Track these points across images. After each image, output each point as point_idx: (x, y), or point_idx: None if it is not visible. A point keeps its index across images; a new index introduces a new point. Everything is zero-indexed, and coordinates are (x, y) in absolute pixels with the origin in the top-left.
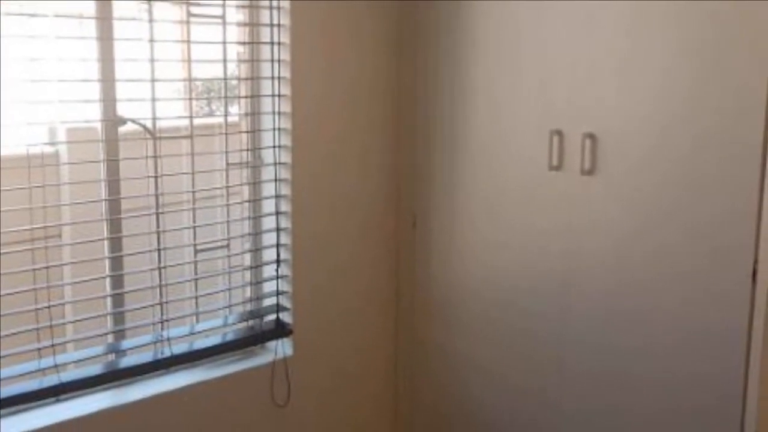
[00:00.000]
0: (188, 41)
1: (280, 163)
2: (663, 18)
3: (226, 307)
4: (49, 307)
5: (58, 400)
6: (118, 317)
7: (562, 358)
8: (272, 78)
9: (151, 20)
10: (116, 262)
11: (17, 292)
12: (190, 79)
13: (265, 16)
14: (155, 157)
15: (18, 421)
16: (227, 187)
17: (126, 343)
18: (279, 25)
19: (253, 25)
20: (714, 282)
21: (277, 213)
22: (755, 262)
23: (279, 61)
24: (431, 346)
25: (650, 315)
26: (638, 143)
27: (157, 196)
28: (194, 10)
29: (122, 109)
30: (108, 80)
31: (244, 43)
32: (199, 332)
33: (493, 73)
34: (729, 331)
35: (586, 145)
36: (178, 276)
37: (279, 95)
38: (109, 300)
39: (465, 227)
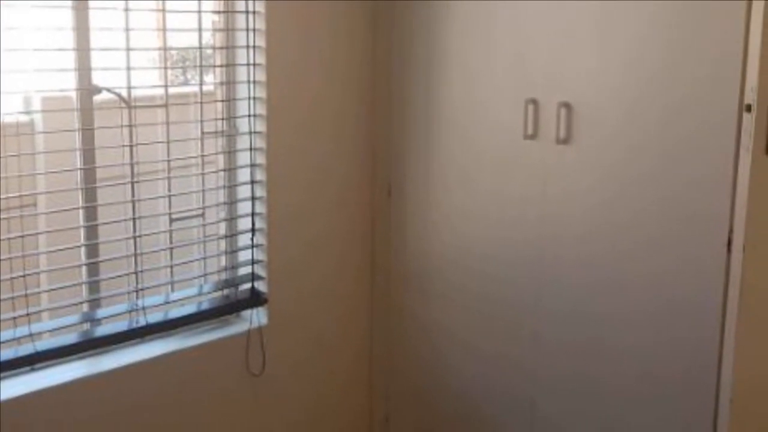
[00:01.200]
0: (163, 10)
1: (255, 132)
2: None
3: (201, 276)
4: (24, 276)
5: (33, 369)
6: (93, 286)
7: (537, 326)
8: (247, 47)
9: None
10: (91, 231)
11: None
12: (165, 48)
13: None
14: (130, 126)
15: None
16: (202, 156)
17: (101, 312)
18: None
19: None
20: (689, 251)
21: (252, 182)
22: (730, 231)
23: (254, 30)
24: (406, 315)
25: (625, 284)
26: (613, 112)
27: (132, 164)
28: None
29: (97, 78)
30: (83, 49)
31: (219, 12)
32: (174, 301)
33: (468, 43)
34: (704, 300)
35: (561, 114)
36: (153, 245)
37: (254, 64)
38: (84, 269)
39: (440, 196)
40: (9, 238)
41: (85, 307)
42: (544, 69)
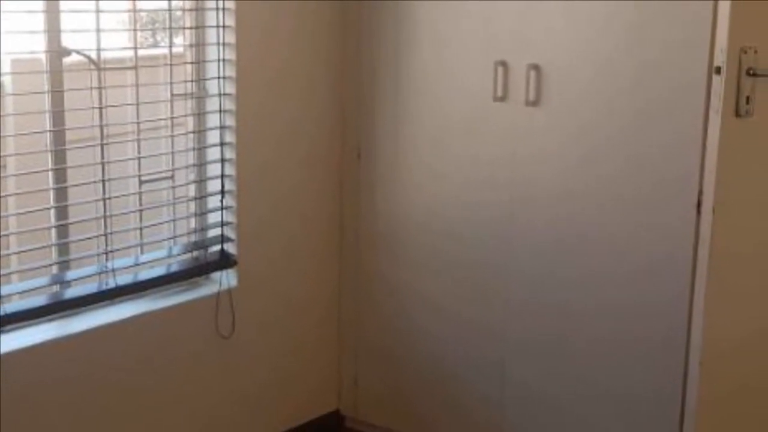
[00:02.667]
0: None
1: (224, 94)
2: None
3: (170, 238)
4: None
5: (2, 332)
6: (63, 248)
7: (507, 288)
8: (216, 9)
9: None
10: (61, 193)
11: None
12: (134, 10)
13: None
14: (100, 88)
15: None
16: (172, 118)
17: (71, 274)
18: None
19: None
20: (659, 212)
21: (222, 144)
22: (700, 192)
23: None
24: (375, 277)
25: (595, 245)
26: (583, 74)
27: (101, 127)
28: None
29: (67, 40)
30: (53, 11)
31: None
32: (144, 263)
33: (437, 5)
34: (674, 261)
35: (530, 76)
36: (123, 207)
37: (224, 26)
38: (53, 231)
39: (410, 158)
40: None
41: (54, 269)
42: (513, 31)
